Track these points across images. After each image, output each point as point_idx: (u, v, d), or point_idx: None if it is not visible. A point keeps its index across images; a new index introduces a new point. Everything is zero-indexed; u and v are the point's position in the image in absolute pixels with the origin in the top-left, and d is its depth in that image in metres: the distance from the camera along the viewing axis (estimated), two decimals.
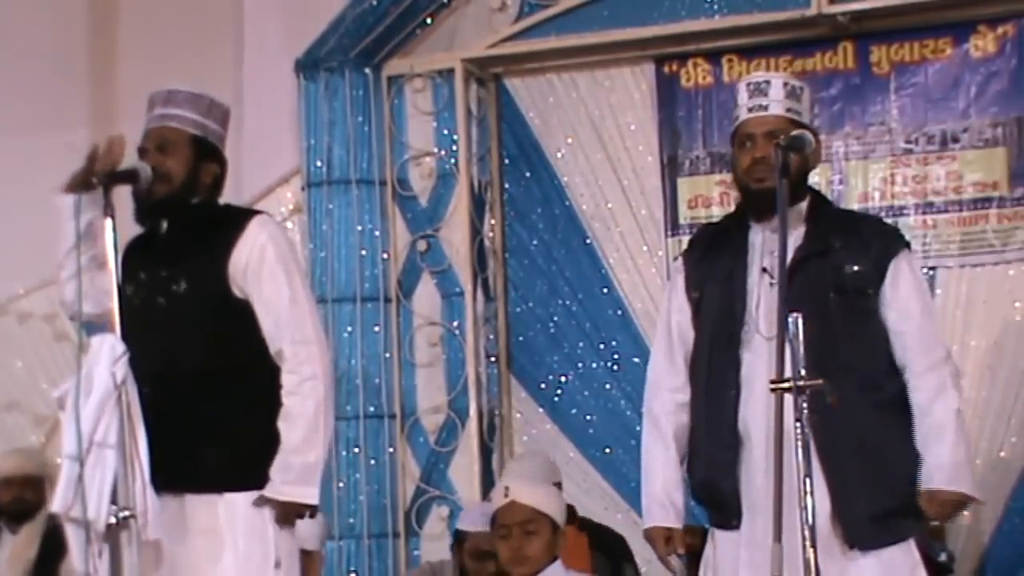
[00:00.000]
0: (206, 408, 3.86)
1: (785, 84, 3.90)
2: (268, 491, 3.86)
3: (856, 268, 3.82)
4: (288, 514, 3.89)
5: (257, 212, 4.12)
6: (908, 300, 3.85)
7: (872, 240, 3.87)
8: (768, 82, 3.90)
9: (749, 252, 3.88)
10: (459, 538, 5.39)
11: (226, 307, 3.90)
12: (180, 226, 3.95)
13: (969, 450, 3.88)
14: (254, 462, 3.89)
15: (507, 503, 4.61)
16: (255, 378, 3.93)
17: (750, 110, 3.88)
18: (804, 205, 3.91)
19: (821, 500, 3.68)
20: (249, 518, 3.87)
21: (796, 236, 3.85)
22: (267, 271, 3.90)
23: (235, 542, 3.85)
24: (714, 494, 3.88)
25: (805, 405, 3.34)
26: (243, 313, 3.91)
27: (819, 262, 3.82)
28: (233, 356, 3.91)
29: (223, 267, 3.89)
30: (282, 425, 3.88)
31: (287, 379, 3.89)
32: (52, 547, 5.91)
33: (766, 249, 3.81)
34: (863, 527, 3.73)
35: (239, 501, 3.87)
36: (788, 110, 3.86)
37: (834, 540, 3.72)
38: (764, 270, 3.81)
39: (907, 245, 3.95)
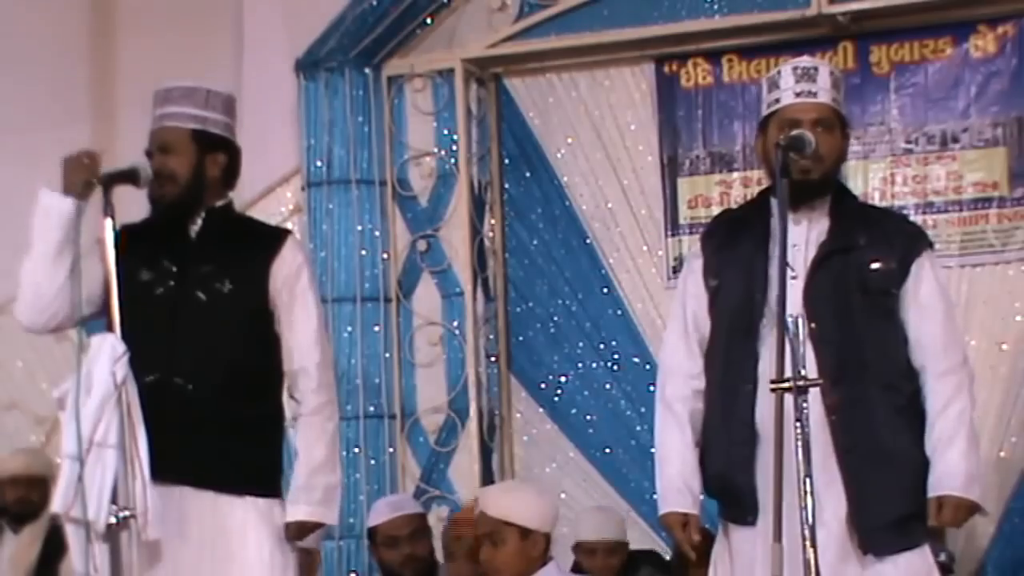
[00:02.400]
0: (243, 409, 3.91)
1: (831, 73, 3.85)
2: (294, 511, 3.94)
3: (880, 266, 3.76)
4: (305, 532, 3.99)
5: (289, 231, 4.23)
6: (930, 301, 3.80)
7: (896, 238, 3.81)
8: (816, 69, 3.82)
9: (770, 243, 3.79)
10: (373, 537, 5.51)
11: (263, 314, 3.98)
12: (215, 228, 3.99)
13: (980, 458, 3.82)
14: (278, 468, 4.02)
15: (478, 514, 4.63)
16: (277, 387, 4.04)
17: (798, 95, 3.78)
18: (828, 198, 3.84)
19: (839, 504, 3.65)
20: (272, 523, 3.93)
21: (820, 231, 3.79)
22: (300, 291, 4.00)
23: (260, 544, 3.91)
24: (730, 489, 3.81)
25: (805, 405, 3.33)
26: (273, 323, 3.99)
27: (843, 259, 3.76)
28: (266, 361, 3.99)
29: (265, 276, 3.97)
30: (304, 443, 3.98)
31: (312, 397, 3.98)
32: (54, 548, 5.92)
33: (788, 241, 3.67)
34: (879, 533, 3.69)
35: (261, 505, 3.93)
36: (833, 99, 3.81)
37: (851, 545, 3.68)
38: (785, 263, 3.74)
39: (930, 245, 3.90)
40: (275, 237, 4.07)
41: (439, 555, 5.62)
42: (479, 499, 4.66)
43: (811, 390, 3.38)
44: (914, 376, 3.79)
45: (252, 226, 4.20)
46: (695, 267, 3.96)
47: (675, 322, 4.00)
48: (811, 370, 3.48)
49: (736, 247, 3.88)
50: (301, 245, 4.21)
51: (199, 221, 3.98)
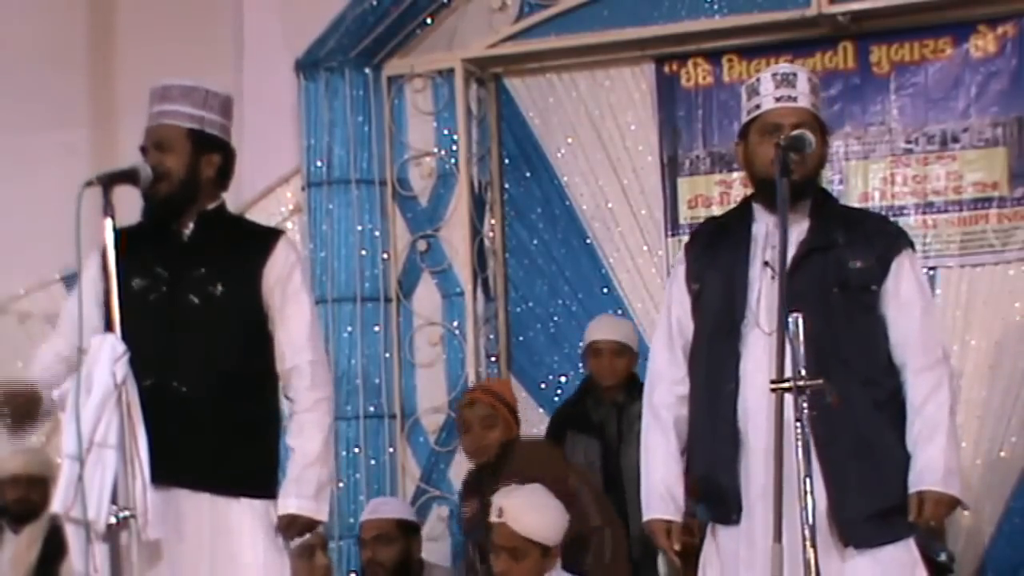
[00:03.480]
0: (240, 411, 3.92)
1: (809, 79, 3.88)
2: (285, 504, 3.93)
3: (859, 264, 3.80)
4: (297, 528, 3.97)
5: (282, 231, 4.23)
6: (910, 298, 3.83)
7: (876, 237, 3.85)
8: (795, 74, 3.85)
9: (752, 245, 3.85)
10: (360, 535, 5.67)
11: (257, 315, 3.98)
12: (208, 230, 3.98)
13: (959, 453, 3.85)
14: (273, 469, 4.01)
15: (499, 523, 4.61)
16: (273, 388, 4.04)
17: (778, 100, 3.82)
18: (809, 201, 3.87)
19: (819, 498, 3.66)
20: (268, 524, 3.94)
21: (799, 231, 3.82)
22: (292, 290, 4.00)
23: (255, 546, 3.91)
24: (714, 489, 3.84)
25: (805, 404, 3.34)
26: (267, 324, 3.99)
27: (822, 257, 3.80)
28: (261, 363, 3.99)
29: (257, 277, 3.97)
30: (297, 439, 3.98)
31: (306, 395, 3.98)
32: (53, 548, 5.91)
33: (769, 243, 3.78)
34: (860, 526, 3.71)
35: (257, 507, 3.94)
36: (813, 104, 3.84)
37: (832, 539, 3.70)
38: (766, 263, 3.78)
39: (911, 244, 3.94)
40: (267, 238, 4.06)
41: (438, 555, 5.65)
42: (504, 509, 4.64)
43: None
44: (895, 371, 3.82)
45: (244, 227, 4.20)
46: (679, 273, 4.01)
47: (661, 329, 4.05)
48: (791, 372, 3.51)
49: (717, 251, 3.93)
50: (294, 244, 4.20)
51: (191, 224, 3.98)
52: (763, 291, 3.77)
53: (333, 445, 4.08)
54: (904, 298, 3.83)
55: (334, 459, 4.10)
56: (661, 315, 4.11)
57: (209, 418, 3.86)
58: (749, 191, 4.08)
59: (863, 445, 3.73)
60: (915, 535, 3.82)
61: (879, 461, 3.75)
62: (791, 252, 3.76)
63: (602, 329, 5.87)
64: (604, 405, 5.72)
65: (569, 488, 4.97)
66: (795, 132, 3.72)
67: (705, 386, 3.87)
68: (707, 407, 3.85)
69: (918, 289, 3.87)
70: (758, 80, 3.90)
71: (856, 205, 5.94)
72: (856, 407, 3.71)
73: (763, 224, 3.86)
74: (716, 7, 6.23)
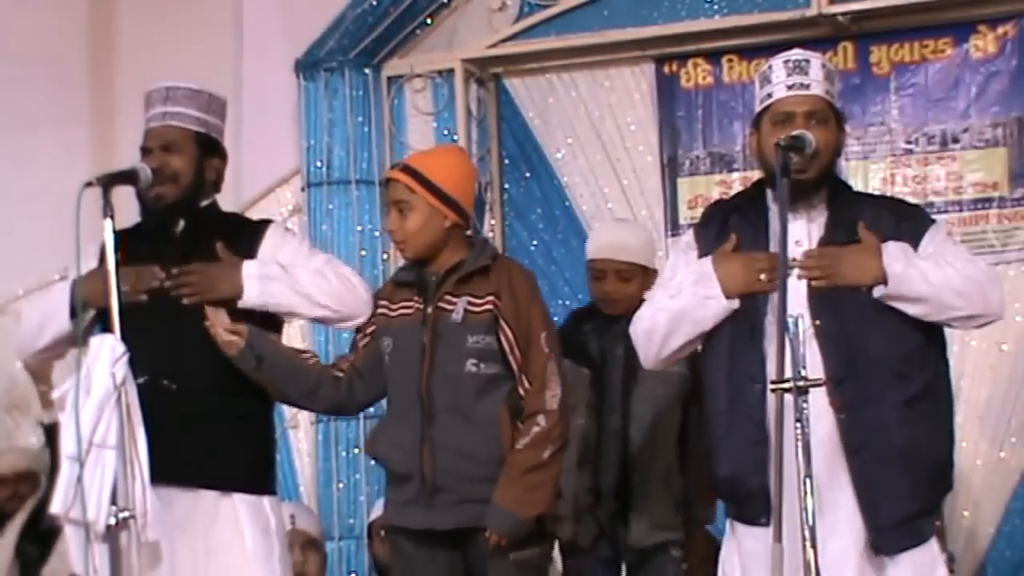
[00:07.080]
0: (231, 406, 3.93)
1: (823, 65, 3.76)
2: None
3: None
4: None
5: (271, 220, 4.23)
6: (943, 250, 3.67)
7: (903, 222, 3.71)
8: (808, 61, 3.73)
9: (769, 239, 3.71)
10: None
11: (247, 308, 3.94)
12: (198, 228, 3.97)
13: (933, 279, 3.61)
14: (265, 464, 4.02)
15: None
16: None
17: (790, 87, 3.70)
18: (825, 191, 3.75)
19: (850, 506, 3.61)
20: (256, 513, 3.94)
21: (818, 224, 3.71)
22: (287, 248, 4.02)
23: (243, 537, 3.91)
24: (741, 491, 3.73)
25: (805, 405, 3.32)
26: (262, 313, 3.95)
27: None
28: None
29: None
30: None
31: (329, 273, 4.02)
32: (37, 545, 5.92)
33: (789, 239, 3.54)
34: (889, 533, 3.62)
35: (248, 500, 3.94)
36: (827, 92, 3.73)
37: (863, 546, 3.62)
38: (786, 264, 3.56)
39: (933, 220, 3.80)
40: (256, 228, 4.06)
41: None
42: None
43: (818, 389, 3.37)
44: (926, 360, 3.69)
45: (235, 222, 4.17)
46: (691, 257, 3.85)
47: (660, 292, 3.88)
48: (818, 369, 3.45)
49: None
50: (284, 227, 4.25)
51: (181, 222, 3.98)
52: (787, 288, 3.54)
53: (306, 295, 3.97)
54: (937, 251, 3.67)
55: (304, 301, 3.98)
56: (663, 279, 3.95)
57: (201, 414, 3.87)
58: None
59: (893, 450, 3.60)
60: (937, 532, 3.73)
61: (909, 465, 3.62)
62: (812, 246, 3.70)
63: (602, 246, 4.93)
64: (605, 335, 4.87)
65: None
66: (795, 132, 3.65)
67: (727, 386, 3.73)
68: (730, 408, 3.73)
69: (953, 245, 3.72)
70: (770, 68, 3.78)
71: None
72: (887, 409, 3.61)
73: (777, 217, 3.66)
74: (716, 7, 6.24)
